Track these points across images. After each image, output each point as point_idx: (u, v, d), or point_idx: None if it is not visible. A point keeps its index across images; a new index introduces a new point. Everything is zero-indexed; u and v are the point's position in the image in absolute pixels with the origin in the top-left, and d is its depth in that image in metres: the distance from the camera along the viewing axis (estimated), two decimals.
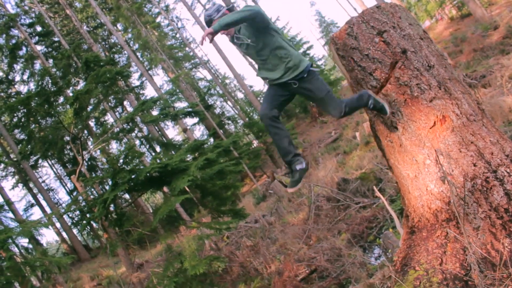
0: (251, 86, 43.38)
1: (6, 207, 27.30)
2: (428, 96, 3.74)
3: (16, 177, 34.68)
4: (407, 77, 3.80)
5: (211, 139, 24.37)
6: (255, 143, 28.99)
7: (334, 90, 33.56)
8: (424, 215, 3.83)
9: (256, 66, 4.26)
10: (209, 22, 4.05)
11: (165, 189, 10.53)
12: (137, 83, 34.86)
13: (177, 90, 25.03)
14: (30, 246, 25.96)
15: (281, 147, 4.03)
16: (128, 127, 12.74)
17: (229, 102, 40.56)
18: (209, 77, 41.35)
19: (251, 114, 36.24)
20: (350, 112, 4.02)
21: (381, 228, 8.78)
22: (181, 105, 28.38)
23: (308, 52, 35.17)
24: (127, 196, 25.28)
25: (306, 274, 8.28)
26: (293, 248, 9.55)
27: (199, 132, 42.75)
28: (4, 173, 35.07)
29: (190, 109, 11.12)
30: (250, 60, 39.03)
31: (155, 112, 12.07)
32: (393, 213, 5.44)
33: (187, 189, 9.32)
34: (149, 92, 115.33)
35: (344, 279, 7.54)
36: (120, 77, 11.08)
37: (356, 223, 9.40)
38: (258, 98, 41.55)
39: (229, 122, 39.37)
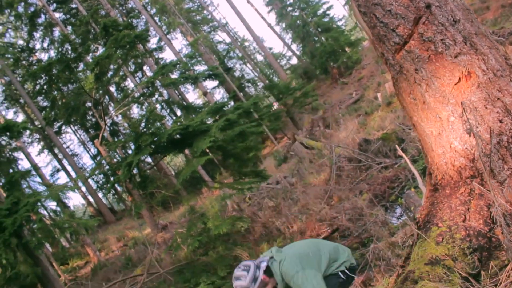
0: (270, 48, 42.91)
1: (33, 172, 28.00)
2: (453, 51, 3.63)
3: (42, 143, 35.37)
4: (431, 32, 3.68)
5: (231, 102, 24.34)
6: (276, 105, 28.86)
7: (355, 51, 32.99)
8: (448, 172, 3.80)
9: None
10: None
11: (187, 151, 10.63)
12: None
13: (197, 54, 24.90)
14: (58, 209, 26.67)
15: None
16: (149, 91, 12.77)
17: (248, 65, 40.25)
18: (228, 40, 40.97)
19: (271, 76, 35.96)
20: None
21: (403, 188, 8.77)
22: (200, 68, 28.30)
23: (328, 12, 34.36)
24: (149, 159, 25.64)
25: (328, 233, 8.37)
26: (314, 208, 9.62)
27: (219, 95, 42.70)
28: (30, 140, 35.79)
29: (210, 72, 11.07)
30: (269, 21, 38.32)
31: (175, 76, 12.08)
32: (416, 171, 5.41)
33: (208, 151, 9.40)
34: (168, 56, 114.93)
35: (366, 238, 7.60)
36: (139, 41, 11.05)
37: (377, 183, 9.40)
38: (278, 61, 41.12)
39: (249, 84, 39.15)
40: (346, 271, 3.38)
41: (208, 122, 8.81)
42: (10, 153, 26.32)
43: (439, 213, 3.69)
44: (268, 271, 3.27)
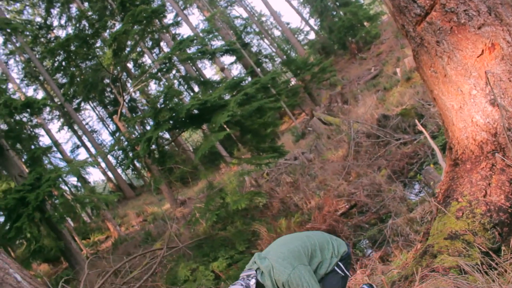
0: (288, 23, 42.50)
1: (54, 148, 28.42)
2: (477, 23, 3.53)
3: (62, 120, 35.81)
4: (454, 3, 3.57)
5: (249, 78, 24.24)
6: (293, 81, 28.65)
7: (373, 25, 32.41)
8: (469, 147, 3.74)
9: None
10: None
11: (205, 127, 10.65)
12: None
13: (213, 29, 24.72)
14: (79, 184, 27.16)
15: None
16: (166, 66, 12.77)
17: (266, 40, 39.89)
18: (245, 15, 40.53)
19: (289, 51, 35.60)
20: None
21: (421, 164, 8.70)
22: (217, 43, 28.15)
23: None
24: (167, 135, 25.77)
25: (346, 209, 8.37)
26: (332, 184, 9.61)
27: (236, 71, 42.51)
28: (50, 117, 36.28)
29: (227, 47, 11.01)
30: None
31: (192, 51, 12.04)
32: (436, 146, 5.35)
33: (226, 127, 9.41)
34: (185, 32, 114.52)
35: (384, 213, 7.58)
36: (155, 16, 11.01)
37: (396, 159, 9.34)
38: (296, 36, 40.67)
39: (266, 60, 38.86)
40: (341, 264, 3.21)
41: (226, 98, 8.80)
42: (31, 129, 26.71)
43: (459, 188, 3.65)
44: (259, 287, 3.12)
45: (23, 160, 18.34)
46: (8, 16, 28.80)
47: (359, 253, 6.81)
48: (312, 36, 42.34)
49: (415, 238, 5.79)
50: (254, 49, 38.19)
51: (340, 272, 3.16)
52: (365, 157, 10.45)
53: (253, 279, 3.09)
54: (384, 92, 18.07)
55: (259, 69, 29.43)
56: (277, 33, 45.57)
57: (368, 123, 11.80)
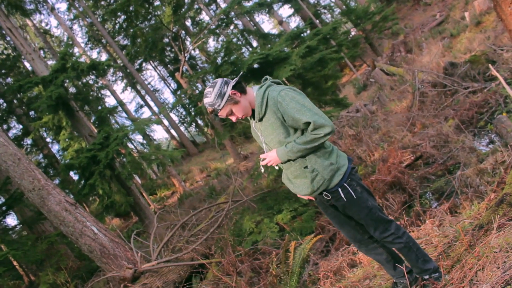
0: None
1: (120, 108, 29.50)
2: None
3: (125, 80, 36.94)
4: None
5: (308, 30, 23.77)
6: (354, 31, 27.79)
7: None
8: None
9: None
10: (213, 113, 3.03)
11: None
12: None
13: None
14: (145, 142, 28.17)
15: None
16: (224, 22, 12.73)
17: None
18: None
19: (348, 1, 34.39)
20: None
21: (493, 113, 8.29)
22: None
23: None
24: None
25: (411, 160, 8.19)
26: (396, 136, 9.39)
27: (295, 23, 41.76)
28: (114, 78, 37.58)
29: None
30: None
31: (250, 4, 11.89)
32: (511, 92, 5.04)
33: (286, 82, 9.32)
34: None
35: (452, 165, 7.35)
36: None
37: (464, 109, 8.94)
38: None
39: (325, 11, 37.84)
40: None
41: (287, 50, 8.67)
42: (97, 91, 27.76)
43: None
44: (240, 87, 2.98)
45: (91, 121, 19.18)
46: None
47: (427, 203, 6.68)
48: None
49: (487, 189, 5.59)
50: (312, 0, 37.24)
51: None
52: (430, 107, 10.08)
53: (237, 78, 3.04)
54: (451, 39, 17.18)
55: (317, 21, 28.71)
56: None
57: (433, 72, 11.31)
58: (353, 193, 2.95)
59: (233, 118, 3.06)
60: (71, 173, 16.61)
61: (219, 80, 2.97)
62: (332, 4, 37.59)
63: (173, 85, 38.67)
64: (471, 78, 10.25)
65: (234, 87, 2.95)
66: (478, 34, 14.21)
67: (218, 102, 2.91)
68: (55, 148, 25.15)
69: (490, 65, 6.79)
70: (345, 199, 2.96)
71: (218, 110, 2.95)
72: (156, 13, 12.97)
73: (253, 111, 3.04)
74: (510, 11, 3.49)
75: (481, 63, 10.37)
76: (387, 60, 19.44)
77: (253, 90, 3.06)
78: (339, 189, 2.95)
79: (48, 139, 23.38)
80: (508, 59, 9.50)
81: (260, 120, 3.01)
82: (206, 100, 2.94)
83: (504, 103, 8.14)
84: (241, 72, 3.27)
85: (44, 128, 19.35)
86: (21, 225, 13.81)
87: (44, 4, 24.39)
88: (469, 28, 16.30)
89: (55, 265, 10.94)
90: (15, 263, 13.03)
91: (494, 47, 10.74)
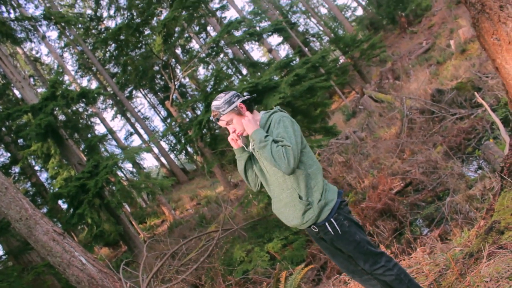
0: (334, 0, 41.54)
1: (109, 136, 29.40)
2: None
3: (115, 108, 36.94)
4: None
5: (297, 58, 24.07)
6: (342, 59, 28.17)
7: None
8: None
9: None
10: (216, 117, 3.11)
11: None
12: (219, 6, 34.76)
13: (260, 10, 24.61)
14: (134, 170, 28.01)
15: None
16: (214, 50, 12.86)
17: (312, 19, 39.34)
18: None
19: (336, 29, 34.98)
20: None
21: (480, 139, 8.37)
22: (265, 24, 28.05)
23: None
24: None
25: (401, 187, 8.20)
26: (386, 163, 9.43)
27: (284, 51, 42.34)
28: (104, 106, 37.56)
29: (274, 27, 10.92)
30: None
31: (239, 34, 12.05)
32: (497, 119, 5.11)
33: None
34: (231, 15, 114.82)
35: (441, 191, 7.37)
36: (202, 1, 11.06)
37: (452, 135, 9.03)
38: (343, 12, 39.86)
39: (314, 39, 38.37)
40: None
41: (276, 79, 8.75)
42: (87, 119, 27.70)
43: None
44: (248, 105, 3.10)
45: (81, 149, 19.06)
46: (61, 10, 29.78)
47: (417, 230, 6.67)
48: (359, 12, 41.44)
49: (476, 216, 5.61)
50: (301, 28, 37.76)
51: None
52: (419, 133, 10.17)
53: (248, 96, 3.15)
54: (437, 66, 17.48)
55: (306, 49, 29.09)
56: (323, 11, 44.91)
57: (421, 98, 11.45)
58: (339, 228, 2.95)
59: (231, 130, 3.12)
60: (60, 202, 16.41)
61: (233, 92, 3.11)
62: (320, 33, 38.16)
63: (163, 113, 38.70)
64: (458, 104, 10.38)
65: (243, 102, 3.07)
66: (464, 61, 14.47)
67: (224, 107, 3.01)
68: (43, 176, 24.86)
69: (475, 93, 6.90)
70: (332, 233, 2.96)
71: (222, 114, 3.03)
72: (146, 41, 13.09)
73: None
74: (493, 42, 3.55)
75: (467, 90, 10.52)
76: (375, 87, 19.65)
77: (259, 114, 3.16)
78: (326, 224, 2.95)
79: (36, 167, 23.14)
80: (493, 86, 9.65)
81: None
82: (215, 103, 3.05)
83: (490, 129, 8.23)
84: (254, 94, 3.32)
85: (32, 156, 19.18)
86: (6, 255, 13.54)
87: (35, 32, 24.44)
88: (455, 56, 16.60)
89: None
90: None
91: (479, 74, 10.92)
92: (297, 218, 3.01)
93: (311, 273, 7.01)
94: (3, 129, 21.22)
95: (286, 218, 3.09)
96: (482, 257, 2.92)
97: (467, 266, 3.18)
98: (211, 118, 3.20)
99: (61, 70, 27.58)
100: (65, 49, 32.96)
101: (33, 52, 32.71)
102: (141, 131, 35.18)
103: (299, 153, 2.88)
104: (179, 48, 29.10)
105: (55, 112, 13.06)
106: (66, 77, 30.00)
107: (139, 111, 40.53)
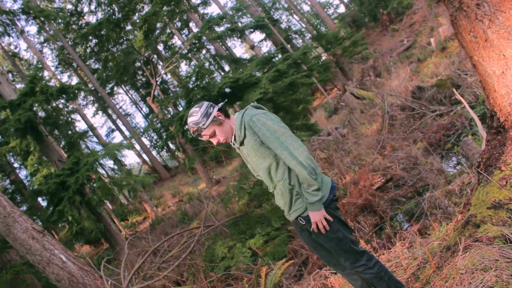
0: None
1: (90, 133, 29.08)
2: None
3: (96, 105, 36.55)
4: None
5: (279, 54, 24.09)
6: (324, 56, 28.27)
7: None
8: None
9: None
10: (197, 132, 3.02)
11: (236, 107, 10.62)
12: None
13: (242, 6, 24.55)
14: (116, 167, 27.77)
15: None
16: (196, 46, 12.79)
17: (295, 16, 39.39)
18: None
19: (319, 26, 35.11)
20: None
21: (459, 135, 8.49)
22: (247, 20, 27.98)
23: None
24: None
25: (382, 183, 8.28)
26: (367, 159, 9.51)
27: (266, 48, 42.28)
28: (84, 102, 37.13)
29: (256, 23, 10.91)
30: None
31: (222, 29, 12.01)
32: (475, 116, 5.19)
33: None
34: (214, 11, 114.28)
35: (421, 186, 7.47)
36: None
37: (432, 131, 9.15)
38: (325, 10, 40.01)
39: (296, 36, 38.45)
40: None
41: (257, 74, 8.75)
42: (67, 115, 27.35)
43: (502, 156, 3.53)
44: (224, 111, 3.06)
45: (61, 145, 18.81)
46: (41, 4, 29.29)
47: (397, 225, 6.75)
48: (342, 9, 41.74)
49: (455, 210, 5.69)
50: (283, 25, 37.82)
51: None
52: (400, 130, 10.28)
53: (222, 104, 3.10)
54: (418, 63, 17.66)
55: (289, 46, 29.13)
56: (306, 8, 44.98)
57: (402, 95, 11.56)
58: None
59: (214, 141, 3.08)
60: (39, 199, 16.21)
61: (206, 103, 3.03)
62: (303, 30, 38.24)
63: (145, 109, 38.46)
64: (438, 101, 10.52)
65: (219, 110, 3.02)
66: (444, 59, 14.64)
67: (203, 121, 2.94)
68: (22, 173, 24.52)
69: (454, 90, 6.99)
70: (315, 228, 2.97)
71: (203, 129, 2.97)
72: (128, 37, 12.96)
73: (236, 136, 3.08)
74: (470, 39, 3.60)
75: (447, 87, 10.66)
76: (357, 84, 19.78)
77: (235, 116, 3.11)
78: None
79: (15, 164, 22.82)
80: (471, 83, 9.79)
81: (242, 143, 3.04)
82: (192, 119, 2.97)
83: (469, 125, 8.36)
84: (226, 100, 3.29)
85: (11, 153, 18.88)
86: None
87: (13, 27, 24.08)
88: (435, 53, 16.79)
89: None
90: None
91: (459, 72, 11.06)
92: (287, 206, 3.03)
93: (293, 269, 7.05)
94: None
95: (283, 208, 3.13)
96: (459, 250, 2.97)
97: (444, 259, 3.23)
98: (190, 135, 3.15)
99: (40, 65, 27.17)
100: (45, 44, 32.46)
101: (12, 47, 32.18)
102: (123, 128, 34.90)
103: (296, 138, 2.89)
104: (161, 44, 28.93)
105: (34, 108, 12.87)
106: (45, 73, 29.55)
107: (120, 107, 40.24)
